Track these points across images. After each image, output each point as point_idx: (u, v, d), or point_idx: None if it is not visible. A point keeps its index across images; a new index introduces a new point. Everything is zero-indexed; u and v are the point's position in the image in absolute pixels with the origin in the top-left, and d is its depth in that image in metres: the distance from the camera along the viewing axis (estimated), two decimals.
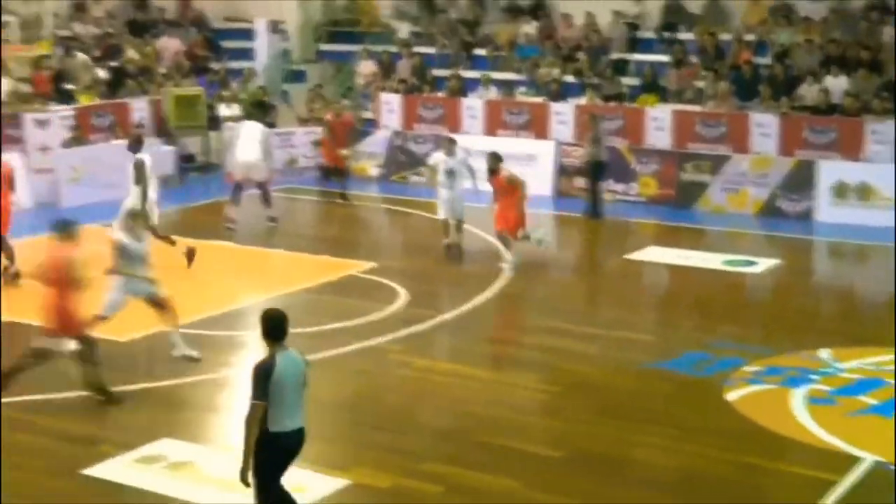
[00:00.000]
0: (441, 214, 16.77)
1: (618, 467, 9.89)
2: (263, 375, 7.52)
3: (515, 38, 24.66)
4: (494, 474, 9.58)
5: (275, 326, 7.65)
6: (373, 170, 23.01)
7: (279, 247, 17.42)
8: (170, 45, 25.26)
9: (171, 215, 18.77)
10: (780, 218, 19.52)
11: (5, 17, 21.52)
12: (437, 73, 24.49)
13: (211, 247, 16.65)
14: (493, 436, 10.36)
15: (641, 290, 16.18)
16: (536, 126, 22.02)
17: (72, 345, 10.83)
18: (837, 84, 20.65)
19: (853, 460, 9.82)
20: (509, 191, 16.08)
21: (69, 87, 22.05)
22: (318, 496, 9.00)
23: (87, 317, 11.04)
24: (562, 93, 22.48)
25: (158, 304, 11.98)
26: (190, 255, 15.64)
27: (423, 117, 23.14)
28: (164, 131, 22.53)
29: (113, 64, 23.59)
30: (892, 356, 12.23)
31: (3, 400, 10.55)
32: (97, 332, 11.25)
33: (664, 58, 22.80)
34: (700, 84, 21.80)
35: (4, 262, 15.00)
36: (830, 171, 19.47)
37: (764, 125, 20.28)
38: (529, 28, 24.74)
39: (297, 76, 26.43)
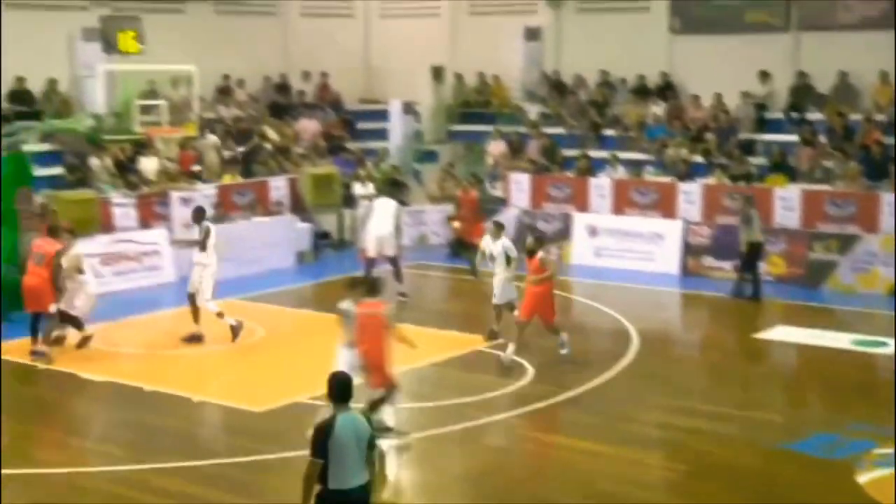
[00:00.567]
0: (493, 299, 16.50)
1: None
2: (321, 435, 7.88)
3: (644, 119, 24.99)
4: None
5: (340, 389, 8.09)
6: None
7: (408, 321, 17.75)
8: (308, 126, 26.23)
9: (306, 290, 19.38)
10: None
11: (157, 101, 22.65)
12: (566, 153, 24.90)
13: None
14: None
15: (770, 370, 16.13)
16: (664, 205, 22.16)
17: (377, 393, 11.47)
18: None
19: None
20: (539, 271, 15.29)
21: (196, 168, 22.90)
22: None
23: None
24: (689, 173, 22.68)
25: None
26: (235, 330, 16.12)
27: (551, 196, 23.48)
28: (300, 209, 23.39)
29: (248, 145, 24.49)
30: None
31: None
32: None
33: (792, 137, 22.82)
34: (829, 164, 21.74)
35: (58, 333, 15.52)
36: None
37: (894, 205, 20.11)
38: (658, 109, 25.05)
39: (429, 156, 27.15)
